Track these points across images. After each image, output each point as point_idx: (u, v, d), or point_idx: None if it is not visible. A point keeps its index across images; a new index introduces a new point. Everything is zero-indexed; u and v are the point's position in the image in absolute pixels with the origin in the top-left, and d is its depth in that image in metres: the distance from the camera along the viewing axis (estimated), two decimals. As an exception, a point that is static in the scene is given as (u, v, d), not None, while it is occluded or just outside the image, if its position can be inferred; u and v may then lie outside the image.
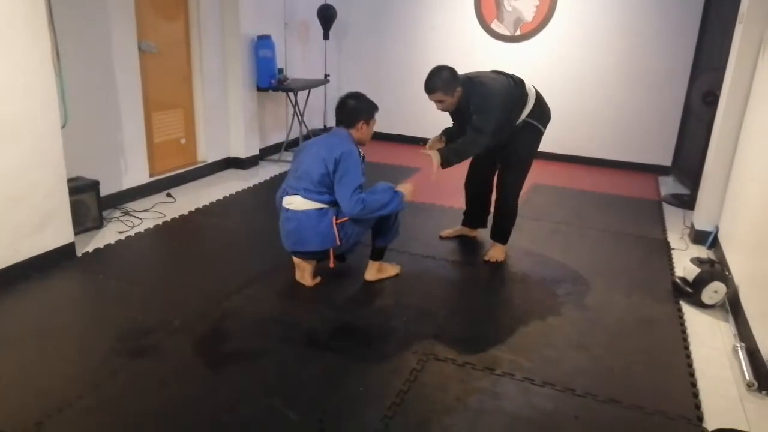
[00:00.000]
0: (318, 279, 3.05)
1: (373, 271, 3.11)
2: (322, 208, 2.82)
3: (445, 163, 3.09)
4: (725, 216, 3.67)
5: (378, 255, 3.10)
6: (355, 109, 2.91)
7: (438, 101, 3.11)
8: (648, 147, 5.65)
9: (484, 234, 3.72)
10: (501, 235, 3.49)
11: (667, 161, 5.62)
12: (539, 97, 3.31)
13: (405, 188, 2.94)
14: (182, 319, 2.64)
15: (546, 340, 2.62)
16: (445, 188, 4.84)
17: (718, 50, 4.41)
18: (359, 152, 2.87)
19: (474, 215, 3.74)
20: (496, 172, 3.47)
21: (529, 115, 3.26)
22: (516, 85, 3.22)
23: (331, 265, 2.95)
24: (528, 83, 3.30)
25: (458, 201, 4.15)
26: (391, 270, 3.16)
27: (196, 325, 2.60)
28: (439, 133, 3.39)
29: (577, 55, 5.61)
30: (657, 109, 5.52)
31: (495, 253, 3.46)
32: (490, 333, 2.66)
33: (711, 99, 4.26)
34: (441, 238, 3.77)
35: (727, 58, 3.76)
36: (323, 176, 2.78)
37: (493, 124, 3.07)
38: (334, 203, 2.83)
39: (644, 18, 5.34)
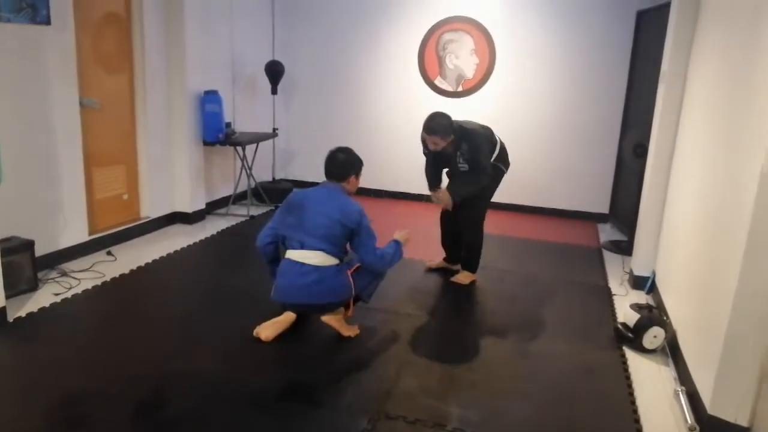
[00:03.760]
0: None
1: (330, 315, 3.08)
2: (338, 265, 2.96)
3: (457, 197, 3.67)
4: (660, 261, 3.84)
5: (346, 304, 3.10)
6: (346, 163, 3.05)
7: (434, 143, 3.54)
8: (586, 195, 5.90)
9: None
10: (469, 264, 3.92)
11: (605, 209, 5.87)
12: (502, 144, 3.85)
13: (401, 236, 3.17)
14: (120, 385, 2.51)
15: (494, 392, 2.63)
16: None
17: (645, 106, 4.71)
18: None
19: (450, 249, 4.11)
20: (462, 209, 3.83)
21: (496, 159, 3.76)
22: (489, 133, 3.76)
23: (350, 313, 3.09)
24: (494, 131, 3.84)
25: (414, 252, 4.19)
26: (346, 329, 3.10)
27: (135, 392, 2.48)
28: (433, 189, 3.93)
29: (516, 110, 5.88)
30: (592, 160, 5.80)
31: (461, 277, 3.90)
32: (441, 386, 2.65)
33: (641, 151, 4.52)
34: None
35: (653, 113, 4.02)
36: (340, 238, 2.91)
37: (490, 163, 3.66)
38: (342, 257, 3.01)
39: (576, 77, 5.68)
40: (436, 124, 3.52)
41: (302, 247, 2.90)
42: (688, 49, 3.63)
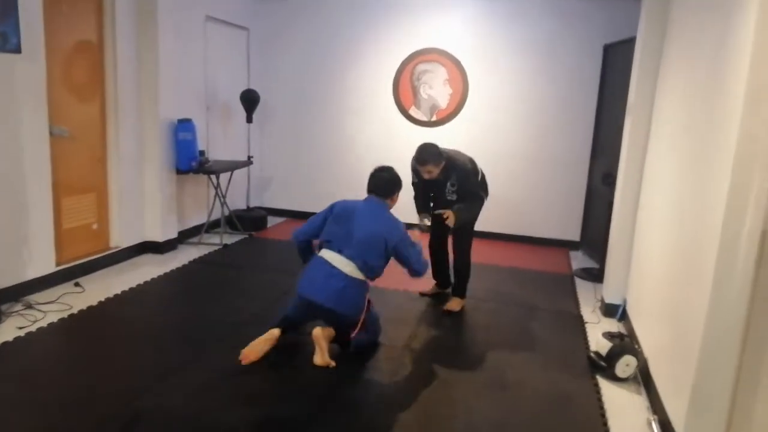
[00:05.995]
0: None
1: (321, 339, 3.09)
2: (364, 281, 3.16)
3: (461, 219, 3.79)
4: (631, 289, 3.90)
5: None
6: (390, 182, 3.34)
7: (428, 172, 3.72)
8: (557, 223, 6.00)
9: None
10: (459, 289, 4.08)
11: (576, 236, 5.97)
12: (482, 173, 4.06)
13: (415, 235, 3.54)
14: (87, 424, 2.43)
15: (470, 425, 2.61)
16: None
17: (613, 136, 4.83)
18: None
19: (440, 274, 4.30)
20: (449, 237, 4.08)
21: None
22: (474, 165, 3.96)
23: (354, 334, 3.16)
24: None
25: (397, 283, 4.18)
26: (325, 355, 3.06)
27: (104, 431, 2.39)
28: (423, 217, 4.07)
29: (488, 140, 5.98)
30: (563, 188, 5.92)
31: (453, 304, 4.02)
32: (416, 421, 2.63)
33: (609, 180, 4.62)
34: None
35: (621, 143, 4.12)
36: (378, 252, 3.12)
37: (479, 188, 3.92)
38: (369, 278, 3.18)
39: (546, 107, 5.82)
40: (427, 155, 3.70)
41: (340, 252, 3.10)
42: (653, 81, 3.75)
